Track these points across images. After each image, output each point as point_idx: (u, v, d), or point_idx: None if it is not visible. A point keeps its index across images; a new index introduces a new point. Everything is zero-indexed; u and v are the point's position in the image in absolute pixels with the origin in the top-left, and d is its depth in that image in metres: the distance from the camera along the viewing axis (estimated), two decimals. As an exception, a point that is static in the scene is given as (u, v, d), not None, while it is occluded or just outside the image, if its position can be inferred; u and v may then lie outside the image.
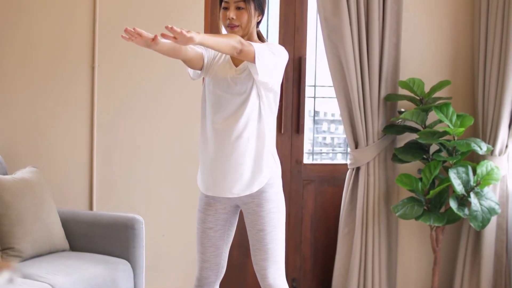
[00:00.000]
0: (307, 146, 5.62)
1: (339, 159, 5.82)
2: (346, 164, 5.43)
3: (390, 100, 5.27)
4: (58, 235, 4.51)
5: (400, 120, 5.29)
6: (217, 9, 5.21)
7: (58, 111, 5.09)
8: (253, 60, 3.44)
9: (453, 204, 4.94)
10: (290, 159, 5.45)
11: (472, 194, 4.99)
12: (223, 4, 3.67)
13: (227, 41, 3.34)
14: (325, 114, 5.91)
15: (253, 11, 3.63)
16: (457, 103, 5.43)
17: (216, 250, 3.84)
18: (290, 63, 5.38)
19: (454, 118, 5.01)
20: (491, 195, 5.06)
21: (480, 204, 4.98)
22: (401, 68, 5.35)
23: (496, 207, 5.02)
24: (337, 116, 5.73)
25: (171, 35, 3.10)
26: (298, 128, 5.44)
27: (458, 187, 4.94)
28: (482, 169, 5.01)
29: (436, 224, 4.99)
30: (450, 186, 5.04)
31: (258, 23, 3.76)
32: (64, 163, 5.11)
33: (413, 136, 5.28)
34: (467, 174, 5.03)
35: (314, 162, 5.68)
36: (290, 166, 5.43)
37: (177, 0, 5.17)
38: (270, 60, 3.52)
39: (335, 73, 5.24)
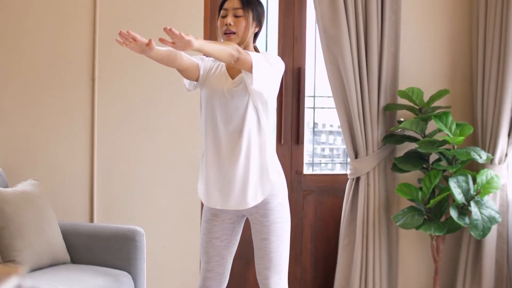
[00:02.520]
0: (306, 157, 5.62)
1: (338, 170, 5.82)
2: (346, 174, 5.43)
3: (390, 109, 5.28)
4: (59, 248, 4.50)
5: (399, 130, 5.29)
6: (215, 22, 5.25)
7: (59, 123, 5.09)
8: (250, 69, 3.44)
9: (453, 213, 4.94)
10: (290, 170, 5.45)
11: (472, 203, 4.99)
12: (221, 12, 3.69)
13: (225, 48, 3.35)
14: (323, 125, 5.91)
15: (251, 20, 3.65)
16: (456, 112, 5.44)
17: (221, 259, 3.84)
18: (290, 74, 5.39)
19: (454, 127, 5.02)
20: (491, 204, 5.06)
21: (481, 213, 4.98)
22: (400, 77, 5.36)
23: (497, 215, 5.02)
24: (336, 127, 5.74)
25: (170, 40, 3.10)
26: (298, 138, 5.45)
27: (458, 196, 4.95)
28: (482, 177, 5.01)
29: (436, 234, 4.99)
30: (450, 195, 5.04)
31: (255, 37, 3.76)
32: (65, 175, 5.10)
33: (413, 146, 5.29)
34: (467, 183, 5.03)
35: (314, 172, 5.68)
36: (290, 177, 5.43)
37: (177, 12, 5.17)
38: (267, 70, 3.52)
39: (334, 83, 5.24)
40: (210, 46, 3.29)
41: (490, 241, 5.28)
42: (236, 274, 5.33)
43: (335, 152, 5.96)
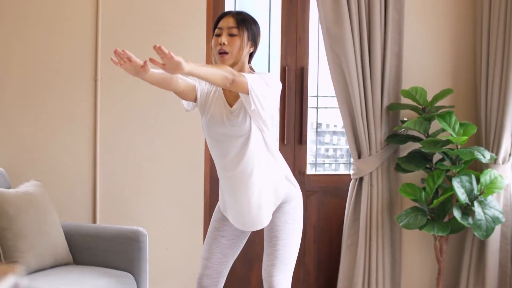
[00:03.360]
0: (309, 157, 5.61)
1: (342, 170, 5.81)
2: (349, 175, 5.43)
3: (393, 109, 5.27)
4: (62, 249, 4.50)
5: (403, 130, 5.28)
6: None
7: (61, 124, 5.08)
8: (246, 91, 3.38)
9: (456, 214, 4.93)
10: (293, 170, 5.42)
11: (476, 203, 4.98)
12: (216, 30, 3.62)
13: (218, 71, 3.28)
14: (327, 125, 5.90)
15: (246, 39, 3.58)
16: (459, 112, 5.43)
17: (223, 258, 3.83)
18: (293, 73, 5.38)
19: (457, 126, 5.01)
20: (495, 204, 5.05)
21: (484, 213, 4.97)
22: (404, 77, 5.35)
23: (500, 216, 5.01)
24: (340, 128, 5.73)
25: (160, 62, 3.04)
26: (300, 138, 5.44)
27: (462, 196, 4.93)
28: (485, 177, 5.00)
29: (440, 234, 4.98)
30: (454, 195, 5.03)
31: (251, 57, 3.71)
32: (67, 176, 5.10)
33: (416, 145, 5.27)
34: (471, 183, 5.01)
35: (317, 173, 5.67)
36: (293, 177, 5.41)
37: (179, 13, 5.16)
38: (264, 90, 3.46)
39: (337, 83, 5.23)
40: (202, 69, 3.23)
41: (494, 242, 5.27)
42: (239, 275, 5.32)
43: (338, 152, 5.95)
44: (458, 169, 5.01)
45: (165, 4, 5.14)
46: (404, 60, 5.34)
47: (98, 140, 5.09)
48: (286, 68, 5.38)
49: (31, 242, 4.26)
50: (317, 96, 5.58)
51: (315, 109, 5.60)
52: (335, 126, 5.90)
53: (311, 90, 5.50)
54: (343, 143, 5.82)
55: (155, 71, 3.27)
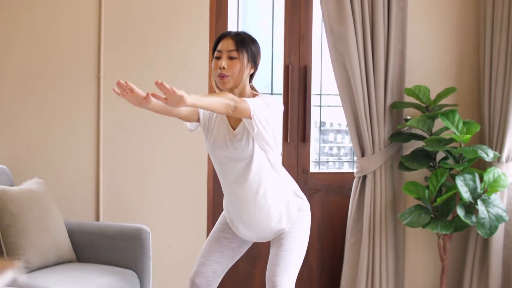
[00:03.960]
0: (313, 156, 5.61)
1: (346, 168, 5.81)
2: (352, 173, 5.42)
3: (396, 107, 5.26)
4: (65, 246, 4.50)
5: (406, 128, 5.28)
6: (222, 17, 5.25)
7: (64, 122, 5.09)
8: (249, 116, 3.37)
9: (460, 212, 4.92)
10: (296, 168, 5.44)
11: (479, 202, 4.97)
12: (216, 53, 3.60)
13: (220, 100, 3.26)
14: (331, 124, 5.90)
15: (246, 62, 3.56)
16: (463, 110, 5.42)
17: (221, 258, 3.82)
18: (296, 72, 5.38)
19: (461, 125, 5.00)
20: (498, 202, 5.04)
21: (488, 212, 4.96)
22: (407, 75, 5.34)
23: (504, 214, 5.00)
24: (344, 126, 5.73)
25: (163, 96, 3.04)
26: (304, 137, 5.44)
27: (465, 194, 4.93)
28: (489, 176, 4.99)
29: (443, 232, 4.97)
30: (457, 194, 5.02)
31: (251, 77, 3.69)
32: (71, 174, 5.10)
33: (420, 144, 5.27)
34: (474, 181, 5.01)
35: (321, 171, 5.67)
36: (296, 175, 5.42)
37: (182, 11, 5.17)
38: (266, 114, 3.45)
39: (340, 82, 5.23)
40: (204, 100, 3.21)
41: (497, 240, 5.27)
42: (243, 273, 5.32)
43: (342, 151, 5.95)
44: (461, 168, 5.00)
45: (168, 1, 5.14)
46: (408, 58, 5.33)
47: (101, 138, 5.09)
48: (290, 67, 5.38)
49: (34, 239, 4.27)
50: (320, 95, 5.58)
51: (318, 107, 5.59)
52: (339, 124, 5.90)
53: (315, 88, 5.50)
54: (347, 142, 5.82)
55: (157, 101, 3.27)
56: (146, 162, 5.16)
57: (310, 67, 5.43)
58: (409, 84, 5.33)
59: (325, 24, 5.20)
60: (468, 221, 4.93)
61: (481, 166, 5.38)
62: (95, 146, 5.11)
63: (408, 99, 5.32)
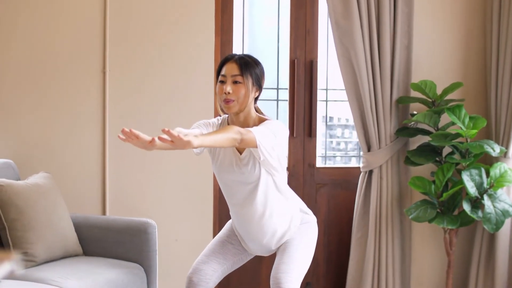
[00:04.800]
0: (320, 150, 5.61)
1: (354, 163, 5.81)
2: (359, 168, 5.42)
3: (402, 102, 5.25)
4: (71, 240, 4.52)
5: (412, 123, 5.27)
6: (227, 12, 5.25)
7: (70, 116, 5.10)
8: (255, 146, 3.39)
9: (466, 207, 4.92)
10: (302, 163, 5.44)
11: (485, 197, 4.96)
12: (220, 77, 3.61)
13: (226, 135, 3.27)
14: (339, 119, 5.90)
15: (251, 86, 3.58)
16: (469, 105, 5.41)
17: (223, 260, 3.82)
18: (302, 67, 5.38)
19: (467, 120, 4.99)
20: (504, 197, 5.03)
21: (494, 207, 4.95)
22: (413, 70, 5.34)
23: (510, 209, 4.99)
24: (351, 122, 5.73)
25: (169, 138, 3.05)
26: (310, 131, 5.44)
27: (471, 189, 4.92)
28: (495, 171, 4.98)
29: (449, 227, 4.97)
30: (463, 189, 5.02)
31: (256, 98, 3.70)
32: (77, 168, 5.12)
33: (426, 139, 5.27)
34: (480, 176, 5.00)
35: (327, 165, 5.67)
36: (302, 170, 5.42)
37: (187, 5, 5.17)
38: (272, 142, 3.47)
39: (346, 76, 5.23)
40: (210, 139, 3.22)
41: (504, 235, 5.26)
42: (249, 269, 5.32)
43: (350, 146, 5.95)
44: (467, 163, 4.99)
45: (175, -3, 5.16)
46: (414, 53, 5.32)
47: (107, 132, 5.10)
48: (295, 61, 5.38)
49: (40, 233, 4.28)
50: (326, 89, 5.58)
51: (325, 102, 5.59)
52: (346, 120, 5.90)
53: (321, 83, 5.50)
54: (354, 137, 5.82)
55: (162, 143, 3.28)
56: (152, 156, 5.16)
57: (316, 61, 5.42)
58: (415, 79, 5.32)
59: (331, 19, 5.19)
60: (474, 216, 4.92)
61: (488, 161, 5.38)
62: (101, 140, 5.12)
63: (414, 94, 5.31)
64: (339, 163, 5.84)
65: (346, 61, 5.22)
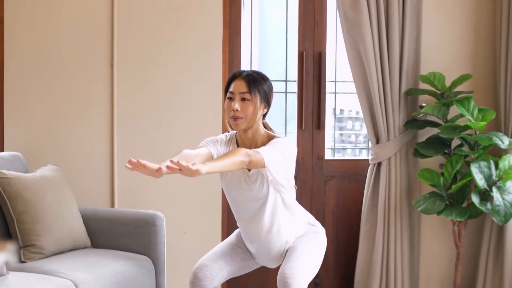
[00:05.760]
0: (329, 143, 5.60)
1: (364, 156, 5.80)
2: (367, 160, 5.42)
3: (411, 94, 5.24)
4: (80, 232, 4.53)
5: (421, 115, 5.26)
6: (235, 3, 5.24)
7: (78, 109, 5.11)
8: (263, 167, 3.41)
9: (475, 199, 4.91)
10: (311, 155, 5.44)
11: (494, 189, 4.95)
12: (228, 94, 3.61)
13: (234, 159, 3.28)
14: (350, 111, 5.89)
15: (259, 103, 3.58)
16: (478, 97, 5.40)
17: (230, 261, 3.82)
18: (310, 59, 5.37)
19: (476, 112, 4.98)
20: (513, 190, 5.02)
21: (503, 199, 4.94)
22: (422, 62, 5.32)
23: (519, 201, 4.98)
24: (361, 114, 5.71)
25: (177, 167, 3.04)
26: (319, 124, 5.43)
27: (480, 181, 4.91)
28: (504, 163, 4.96)
29: (458, 219, 4.96)
30: (472, 181, 5.00)
31: (265, 115, 3.71)
32: (85, 161, 5.13)
33: (435, 131, 5.25)
34: (489, 168, 4.98)
35: (336, 158, 5.66)
36: (311, 162, 5.42)
37: (196, -3, 5.18)
38: (280, 162, 3.48)
39: (355, 68, 5.22)
40: (219, 164, 3.23)
41: (513, 227, 5.26)
42: (257, 270, 5.31)
43: (361, 138, 5.94)
44: (476, 155, 4.98)
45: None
46: (423, 45, 5.31)
47: (115, 125, 5.11)
48: (304, 53, 5.37)
49: (48, 225, 4.30)
50: (335, 81, 5.57)
51: (333, 94, 5.59)
52: (357, 113, 5.89)
53: (329, 75, 5.49)
54: (365, 130, 5.81)
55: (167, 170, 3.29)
56: (160, 147, 5.17)
57: (325, 53, 5.42)
58: (424, 71, 5.31)
59: (339, 11, 5.18)
60: (483, 208, 4.91)
61: (496, 153, 5.36)
62: (109, 132, 5.13)
63: (423, 86, 5.30)
64: (350, 155, 5.83)
65: (354, 53, 5.21)
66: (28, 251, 4.21)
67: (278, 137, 3.63)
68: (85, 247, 4.57)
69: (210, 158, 3.61)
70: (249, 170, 3.58)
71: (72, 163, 5.09)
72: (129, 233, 4.61)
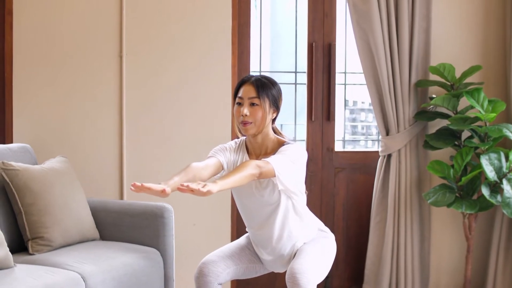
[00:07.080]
0: (340, 134, 5.59)
1: (376, 147, 5.78)
2: (377, 152, 5.40)
3: (421, 86, 5.22)
4: (88, 225, 4.54)
5: (431, 106, 5.24)
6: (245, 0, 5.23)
7: (87, 101, 5.11)
8: (274, 176, 3.42)
9: (485, 191, 4.88)
10: (321, 147, 5.42)
11: (504, 181, 4.92)
12: (237, 99, 3.62)
13: (244, 174, 3.29)
14: (363, 103, 5.88)
15: (268, 108, 3.58)
16: (488, 88, 5.37)
17: (238, 260, 3.81)
18: (320, 50, 5.36)
19: (486, 103, 4.95)
20: (524, 182, 4.99)
21: (513, 191, 4.92)
22: (432, 53, 5.29)
23: (530, 194, 4.96)
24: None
25: (187, 190, 3.05)
26: (329, 115, 5.41)
27: (490, 173, 4.88)
28: (514, 155, 4.94)
29: (468, 211, 4.93)
30: (482, 173, 4.98)
31: (274, 119, 3.71)
32: (94, 152, 5.13)
33: (445, 122, 5.23)
34: (500, 160, 4.96)
35: (346, 149, 5.65)
36: (321, 154, 5.41)
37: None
38: (291, 171, 3.49)
39: (364, 60, 5.20)
40: (230, 181, 3.25)
41: (523, 219, 5.24)
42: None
43: (374, 130, 5.92)
44: (486, 147, 4.95)
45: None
46: (432, 36, 5.28)
47: (124, 116, 5.11)
48: (313, 45, 5.35)
49: (56, 217, 4.30)
50: (345, 73, 5.55)
51: (343, 86, 5.57)
52: (370, 104, 5.88)
53: (339, 66, 5.47)
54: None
55: (175, 178, 3.31)
56: (169, 139, 5.17)
57: (334, 45, 5.39)
58: (434, 62, 5.28)
59: (349, 2, 5.16)
60: (493, 201, 4.89)
61: (507, 145, 5.32)
62: (118, 124, 5.13)
63: (433, 77, 5.27)
64: (362, 147, 5.82)
65: (364, 44, 5.19)
66: (36, 243, 4.21)
67: (288, 143, 3.64)
68: (93, 239, 4.58)
69: (220, 168, 3.62)
70: None
71: (81, 154, 5.09)
72: (138, 225, 4.61)
